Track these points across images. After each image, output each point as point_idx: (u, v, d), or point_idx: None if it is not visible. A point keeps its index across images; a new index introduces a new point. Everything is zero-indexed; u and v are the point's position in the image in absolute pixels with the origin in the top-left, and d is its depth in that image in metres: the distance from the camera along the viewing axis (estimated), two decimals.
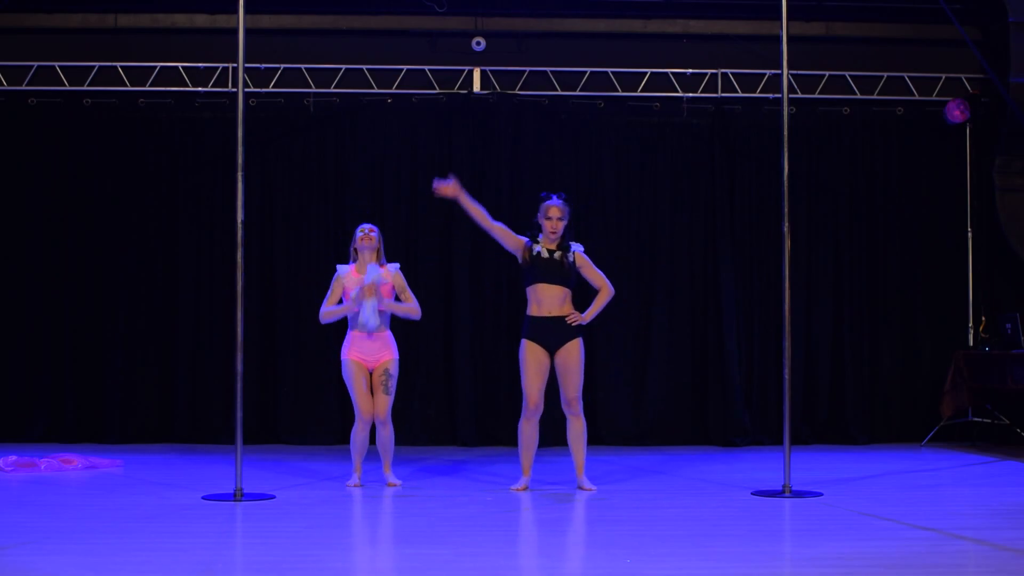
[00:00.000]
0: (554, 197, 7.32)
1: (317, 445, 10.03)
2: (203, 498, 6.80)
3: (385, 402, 7.38)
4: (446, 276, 10.38)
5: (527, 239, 7.32)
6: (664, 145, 10.49)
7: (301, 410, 10.20)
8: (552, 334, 7.21)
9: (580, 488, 7.30)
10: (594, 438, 10.13)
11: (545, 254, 7.24)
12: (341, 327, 7.62)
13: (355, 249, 7.51)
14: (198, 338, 10.21)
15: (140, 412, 10.16)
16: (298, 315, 10.16)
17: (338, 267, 7.52)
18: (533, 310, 7.25)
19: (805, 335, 10.47)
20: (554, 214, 7.26)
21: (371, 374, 7.39)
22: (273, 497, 6.86)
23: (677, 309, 10.42)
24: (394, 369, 7.40)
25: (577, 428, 7.31)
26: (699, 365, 10.42)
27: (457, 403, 10.31)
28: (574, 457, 7.34)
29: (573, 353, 7.21)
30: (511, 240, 7.29)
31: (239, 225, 6.87)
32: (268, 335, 10.25)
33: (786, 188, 7.32)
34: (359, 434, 7.37)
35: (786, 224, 7.24)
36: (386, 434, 7.43)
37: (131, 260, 10.21)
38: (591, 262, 7.33)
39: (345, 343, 7.41)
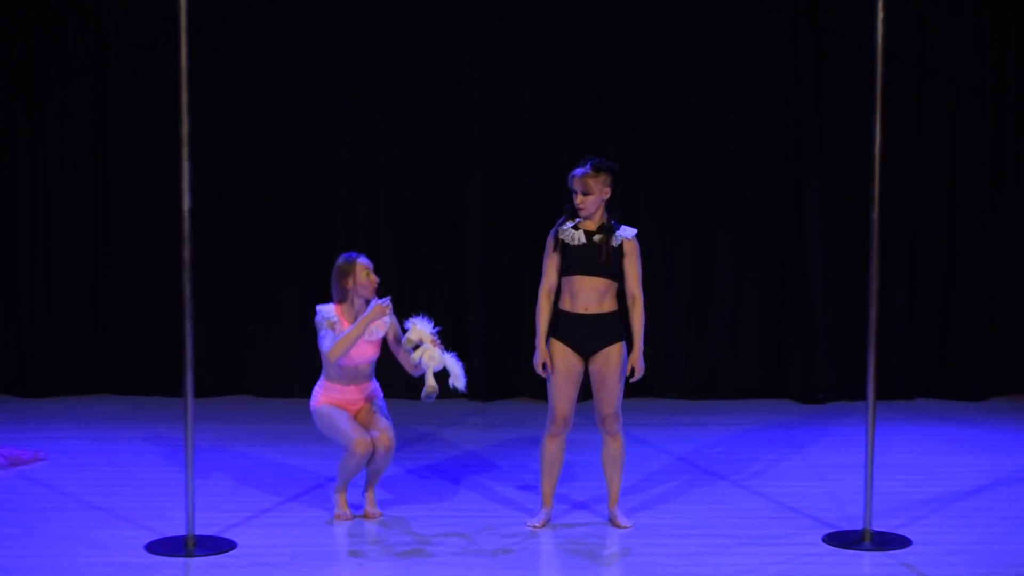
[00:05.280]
0: (588, 164, 7.33)
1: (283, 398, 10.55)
2: (147, 548, 7.14)
3: (388, 427, 7.55)
4: (455, 185, 10.56)
5: (560, 219, 7.40)
6: (732, 19, 10.47)
7: (266, 356, 10.64)
8: (587, 336, 7.35)
9: (612, 522, 7.59)
10: (643, 389, 10.44)
11: (581, 239, 7.32)
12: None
13: (346, 288, 7.49)
14: (139, 260, 10.60)
15: (69, 360, 10.63)
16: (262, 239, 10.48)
17: (320, 309, 7.54)
18: (565, 304, 7.37)
19: (911, 265, 10.62)
20: (577, 186, 7.31)
21: (355, 414, 7.62)
22: (233, 547, 7.19)
23: (746, 230, 10.55)
24: (381, 403, 7.66)
25: (614, 450, 7.53)
26: (774, 301, 10.64)
27: (468, 345, 10.57)
28: (608, 484, 7.60)
29: (613, 360, 7.36)
30: (551, 259, 7.37)
31: (185, 214, 7.00)
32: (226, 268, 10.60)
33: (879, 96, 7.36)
34: (352, 460, 7.50)
35: (876, 145, 7.26)
36: (386, 459, 7.60)
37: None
38: (638, 256, 7.37)
39: (317, 391, 7.65)
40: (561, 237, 7.35)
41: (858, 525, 7.39)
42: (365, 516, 7.68)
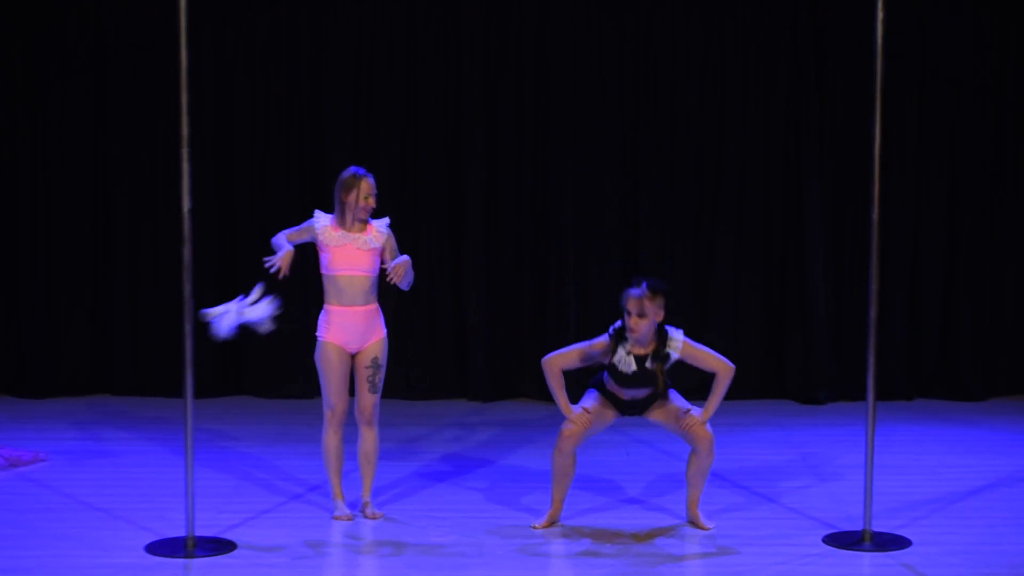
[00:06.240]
0: (644, 285, 7.13)
1: (283, 398, 10.59)
2: (147, 549, 7.13)
3: (371, 401, 7.60)
4: (455, 185, 10.57)
5: (609, 334, 7.24)
6: (732, 19, 10.47)
7: (266, 356, 10.63)
8: (636, 409, 7.41)
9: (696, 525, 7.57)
10: None
11: (631, 366, 7.19)
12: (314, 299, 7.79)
13: (345, 202, 7.50)
14: (139, 261, 10.59)
15: (69, 360, 10.63)
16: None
17: (317, 213, 7.58)
18: (614, 390, 7.34)
19: (911, 265, 10.61)
20: (632, 307, 7.09)
21: (353, 359, 7.58)
22: (233, 547, 7.18)
23: (746, 230, 10.55)
24: (383, 356, 7.59)
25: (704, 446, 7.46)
26: (774, 301, 10.63)
27: (468, 345, 10.57)
28: (691, 490, 7.58)
29: (671, 409, 7.40)
30: (583, 357, 7.28)
31: (185, 215, 6.99)
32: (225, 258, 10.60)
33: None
34: (331, 440, 7.58)
35: (876, 144, 7.24)
36: (371, 441, 7.63)
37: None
38: (697, 346, 7.29)
39: (321, 319, 7.58)
40: (613, 360, 7.22)
41: (858, 526, 7.38)
42: (364, 516, 7.67)
